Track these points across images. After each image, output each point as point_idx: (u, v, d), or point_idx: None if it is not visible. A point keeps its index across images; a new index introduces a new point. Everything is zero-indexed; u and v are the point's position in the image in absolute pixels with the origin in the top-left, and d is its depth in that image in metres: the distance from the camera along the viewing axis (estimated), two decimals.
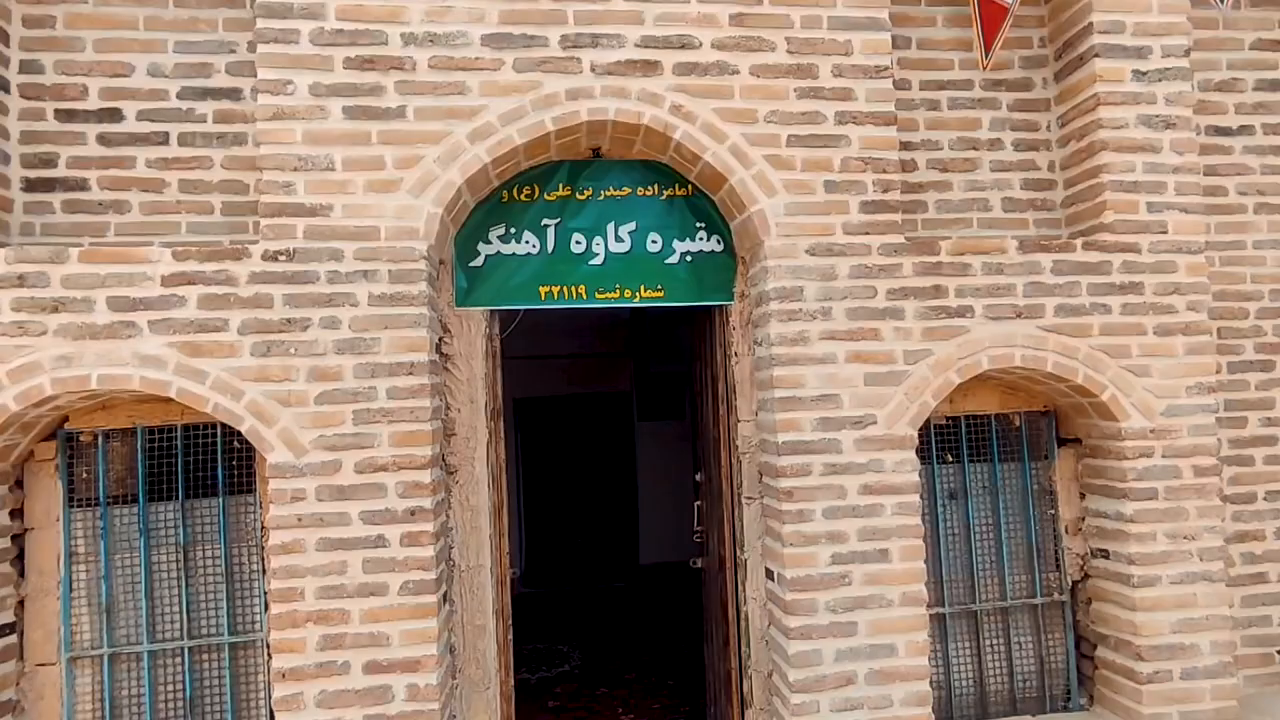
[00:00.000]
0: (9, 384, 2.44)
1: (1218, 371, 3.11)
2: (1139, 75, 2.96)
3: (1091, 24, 2.97)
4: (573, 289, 3.00)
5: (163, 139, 2.79)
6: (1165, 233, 2.96)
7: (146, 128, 2.78)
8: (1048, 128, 3.21)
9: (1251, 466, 3.22)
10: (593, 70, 2.74)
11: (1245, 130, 3.28)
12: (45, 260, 2.49)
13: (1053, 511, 3.21)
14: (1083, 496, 3.17)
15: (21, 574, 2.69)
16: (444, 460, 2.86)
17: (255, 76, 2.79)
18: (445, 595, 2.76)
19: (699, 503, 3.58)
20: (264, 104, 2.61)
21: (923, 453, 3.03)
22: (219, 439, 2.82)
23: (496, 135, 2.68)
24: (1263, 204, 3.28)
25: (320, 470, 2.56)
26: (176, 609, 2.79)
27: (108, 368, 2.49)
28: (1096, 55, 2.96)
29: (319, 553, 2.54)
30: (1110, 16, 2.96)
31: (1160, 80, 2.97)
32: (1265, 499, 3.22)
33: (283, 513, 2.54)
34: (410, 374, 2.61)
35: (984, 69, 3.10)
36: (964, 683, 3.11)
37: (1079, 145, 3.07)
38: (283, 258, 2.58)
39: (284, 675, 2.52)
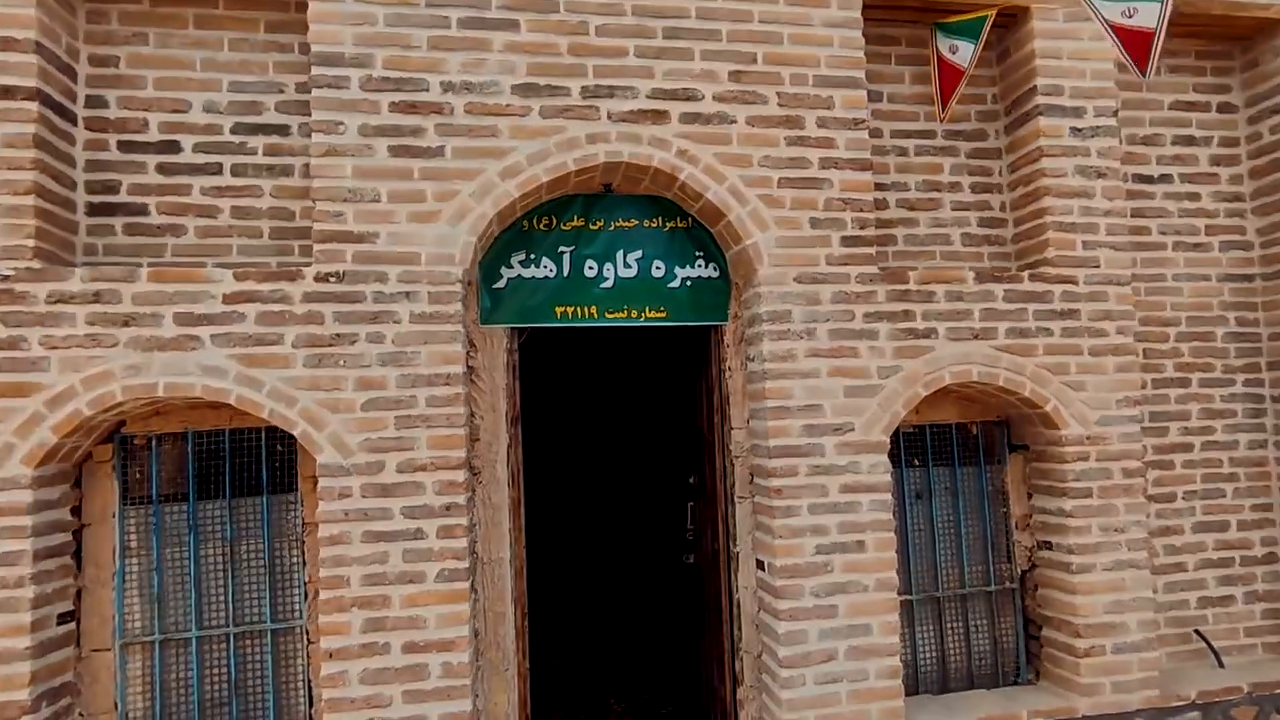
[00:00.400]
0: (83, 390, 2.70)
1: (1143, 387, 3.60)
2: (1075, 131, 3.45)
3: (1036, 87, 3.44)
4: (586, 309, 3.35)
5: (216, 169, 3.07)
6: (1098, 267, 3.44)
7: (202, 159, 3.07)
8: (999, 173, 3.67)
9: (1172, 470, 3.71)
10: (609, 118, 3.11)
11: (1165, 179, 3.80)
12: (118, 279, 2.75)
13: (1004, 509, 3.64)
14: (1030, 496, 3.61)
15: (79, 566, 2.92)
16: (469, 463, 3.17)
17: (301, 115, 3.11)
18: (471, 584, 3.07)
19: (692, 503, 3.94)
20: (317, 142, 2.91)
21: (893, 457, 3.44)
22: (264, 443, 3.10)
23: (524, 173, 3.03)
24: (1180, 242, 3.80)
25: (365, 470, 2.85)
26: (222, 598, 3.04)
27: (173, 376, 2.76)
28: (1040, 114, 3.43)
29: (363, 544, 2.83)
30: (1051, 81, 3.44)
31: (1093, 136, 3.46)
32: (1183, 498, 3.71)
33: (331, 508, 2.82)
34: (447, 384, 2.93)
35: (941, 121, 3.56)
36: (928, 661, 3.51)
37: (1026, 190, 3.54)
38: (333, 279, 2.88)
39: (330, 655, 2.80)
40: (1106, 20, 3.03)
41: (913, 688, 3.45)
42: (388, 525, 2.85)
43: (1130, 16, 2.95)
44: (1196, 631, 3.65)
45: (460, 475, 2.92)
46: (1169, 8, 2.86)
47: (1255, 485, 3.79)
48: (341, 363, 2.86)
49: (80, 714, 2.87)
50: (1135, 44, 3.00)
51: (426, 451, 2.89)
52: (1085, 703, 3.28)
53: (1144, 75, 3.05)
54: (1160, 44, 2.94)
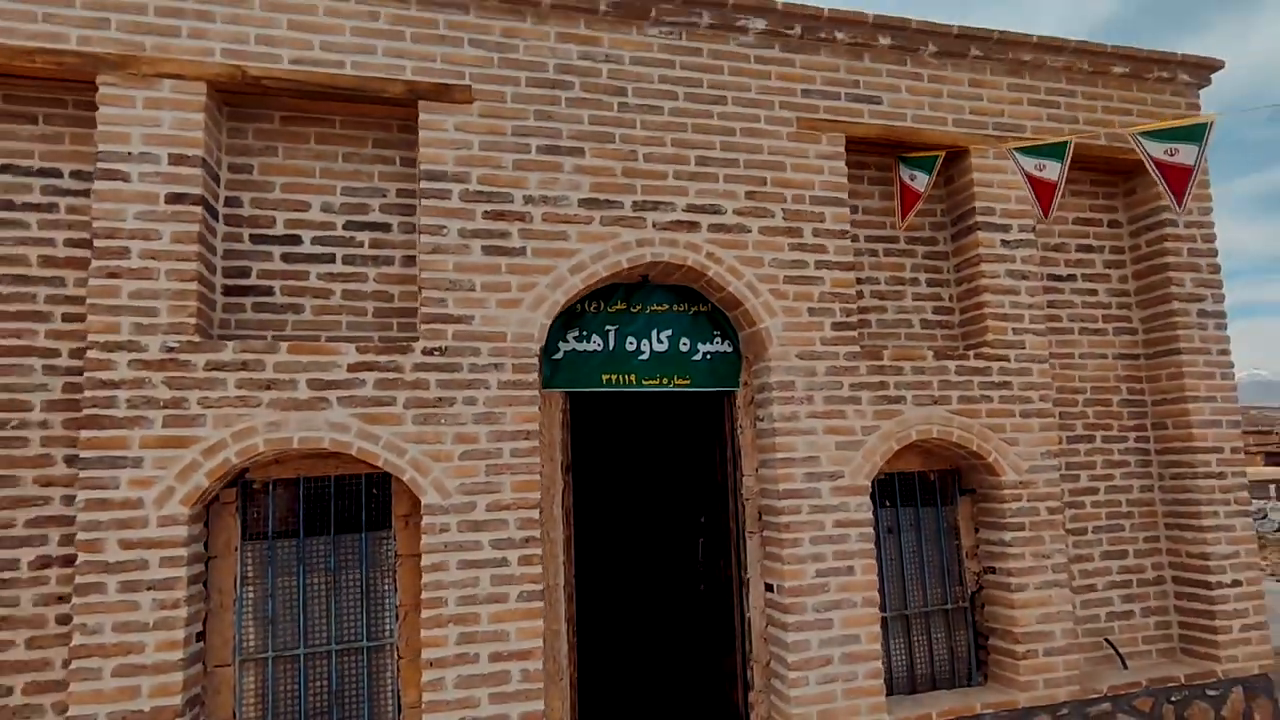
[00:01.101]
0: (232, 443, 3.27)
1: (1060, 442, 4.54)
2: (1005, 243, 4.44)
3: (974, 207, 4.43)
4: (626, 377, 4.09)
5: (330, 259, 3.72)
6: (1024, 348, 4.39)
7: (319, 250, 3.71)
8: (948, 271, 4.63)
9: (1084, 509, 4.65)
10: (653, 226, 3.90)
11: (1071, 278, 4.84)
12: (262, 351, 3.35)
13: (957, 541, 4.49)
14: (976, 530, 4.48)
15: (206, 593, 3.41)
16: None
17: (400, 215, 3.81)
18: None
19: (702, 539, 4.65)
20: (425, 241, 3.60)
21: (871, 498, 4.24)
22: (363, 488, 3.68)
23: (588, 269, 3.78)
24: (1084, 328, 4.82)
25: (461, 509, 3.48)
26: (325, 620, 3.57)
27: (306, 431, 3.35)
28: (978, 228, 4.41)
29: (459, 570, 3.44)
30: (986, 204, 4.43)
31: (1018, 247, 4.46)
32: (1093, 532, 4.65)
33: (433, 541, 3.43)
34: (526, 439, 3.60)
35: (901, 230, 4.51)
36: (900, 667, 4.28)
37: (969, 286, 4.49)
38: (436, 353, 3.54)
39: (430, 664, 3.37)
40: (1024, 169, 4.04)
41: (888, 690, 4.19)
42: (479, 555, 3.48)
43: (1041, 170, 3.96)
44: (1106, 639, 4.55)
45: (536, 514, 3.58)
46: (1067, 167, 3.88)
47: (1146, 521, 4.77)
48: (442, 421, 3.51)
49: None
50: (1043, 189, 4.01)
51: (510, 494, 3.55)
52: (1024, 696, 4.10)
53: (1045, 216, 4.06)
54: (1060, 193, 3.96)
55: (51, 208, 3.44)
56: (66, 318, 3.39)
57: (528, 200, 3.75)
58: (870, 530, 4.01)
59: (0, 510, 3.24)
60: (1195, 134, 3.63)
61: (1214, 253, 4.86)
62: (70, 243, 3.43)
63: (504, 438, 3.57)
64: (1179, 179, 3.63)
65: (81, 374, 3.30)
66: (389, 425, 3.45)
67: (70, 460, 3.30)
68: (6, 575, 3.22)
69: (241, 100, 3.63)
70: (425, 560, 3.42)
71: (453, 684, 3.38)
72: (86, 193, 3.45)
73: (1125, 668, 4.48)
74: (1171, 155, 3.64)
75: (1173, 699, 4.40)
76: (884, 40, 4.36)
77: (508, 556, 3.51)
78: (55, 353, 3.37)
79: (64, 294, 3.40)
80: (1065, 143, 3.89)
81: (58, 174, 3.46)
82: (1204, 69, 4.99)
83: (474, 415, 3.55)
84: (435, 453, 3.48)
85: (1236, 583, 4.57)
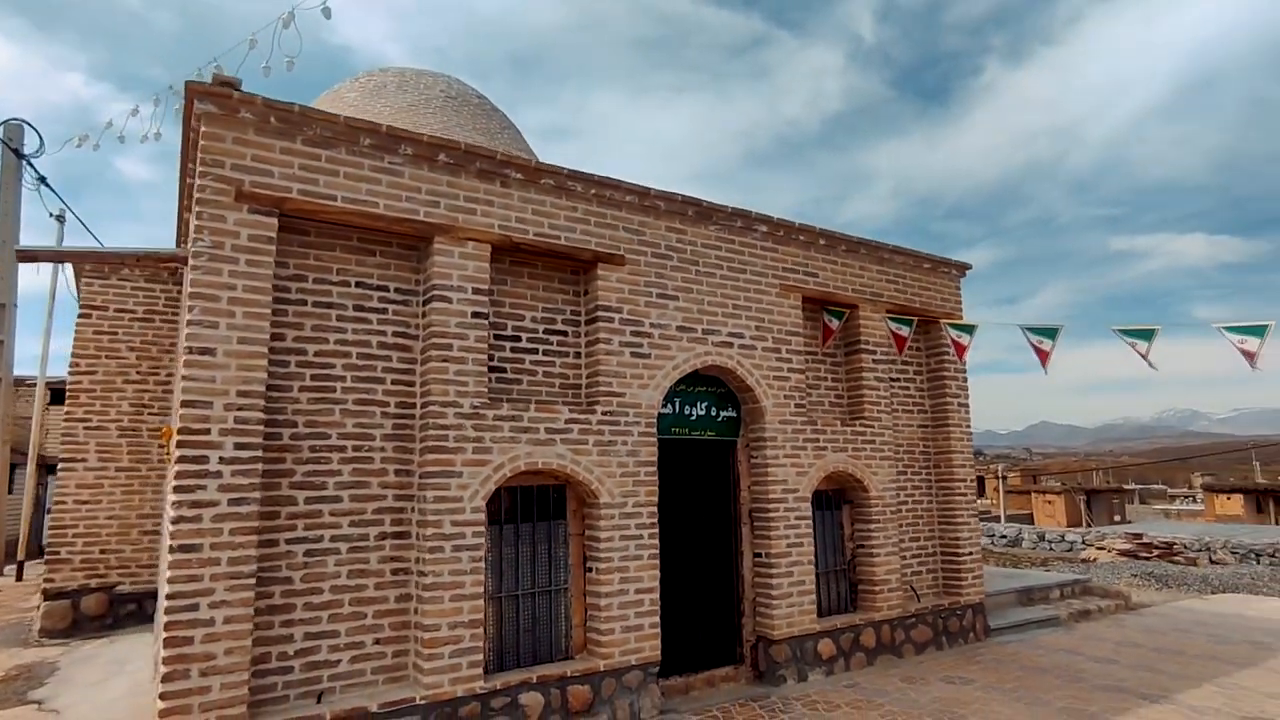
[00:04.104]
0: (507, 464, 5.51)
1: (895, 475, 8.05)
2: (874, 360, 7.89)
3: (860, 339, 7.84)
4: (684, 430, 6.84)
5: (535, 351, 6.05)
6: (882, 421, 7.84)
7: (529, 345, 6.03)
8: (841, 374, 7.99)
9: (901, 513, 8.21)
10: (712, 343, 6.73)
11: (898, 380, 8.46)
12: (522, 409, 5.64)
13: (842, 530, 7.78)
14: (852, 523, 7.81)
15: None
16: None
17: (573, 325, 6.26)
18: None
19: (703, 527, 7.47)
20: (600, 347, 6.10)
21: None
22: (550, 492, 6.02)
23: (681, 367, 6.51)
24: (904, 409, 8.45)
25: (619, 505, 5.99)
26: (529, 573, 5.85)
27: (545, 458, 5.69)
28: (860, 351, 7.82)
29: (618, 541, 5.94)
30: (866, 337, 7.86)
31: (880, 363, 7.93)
32: (906, 526, 8.22)
33: (606, 524, 5.90)
34: (650, 466, 6.21)
35: (821, 351, 7.80)
36: (815, 602, 7.42)
37: (854, 383, 7.87)
38: (606, 414, 6.04)
39: (602, 595, 5.82)
40: (889, 328, 7.52)
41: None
42: (628, 532, 6.00)
43: (899, 329, 7.46)
44: (910, 585, 8.10)
45: (655, 509, 6.19)
46: (912, 330, 7.41)
47: (929, 520, 8.47)
48: (611, 454, 6.01)
49: None
50: (899, 340, 7.53)
51: (643, 497, 6.12)
52: (878, 615, 7.46)
53: (900, 354, 7.58)
54: (908, 342, 7.49)
55: (384, 310, 5.44)
56: (394, 381, 5.40)
57: (651, 325, 6.40)
58: (810, 522, 7.14)
59: (357, 503, 5.17)
60: (969, 329, 7.34)
61: (965, 370, 8.78)
62: (395, 334, 5.46)
63: (640, 464, 6.16)
64: (960, 350, 7.31)
65: (403, 418, 5.36)
66: (586, 456, 5.88)
67: (398, 472, 5.32)
68: (361, 544, 5.16)
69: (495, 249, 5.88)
70: (601, 535, 5.89)
71: (616, 607, 5.86)
72: (404, 302, 5.51)
73: (919, 601, 8.04)
74: (959, 338, 7.30)
75: (943, 616, 8.04)
76: (821, 241, 7.65)
77: (642, 534, 6.08)
78: (387, 404, 5.37)
79: (392, 366, 5.42)
80: (911, 320, 7.42)
81: (386, 289, 5.48)
82: (964, 267, 8.96)
83: (626, 451, 6.10)
84: (608, 472, 5.97)
85: (970, 554, 8.39)
